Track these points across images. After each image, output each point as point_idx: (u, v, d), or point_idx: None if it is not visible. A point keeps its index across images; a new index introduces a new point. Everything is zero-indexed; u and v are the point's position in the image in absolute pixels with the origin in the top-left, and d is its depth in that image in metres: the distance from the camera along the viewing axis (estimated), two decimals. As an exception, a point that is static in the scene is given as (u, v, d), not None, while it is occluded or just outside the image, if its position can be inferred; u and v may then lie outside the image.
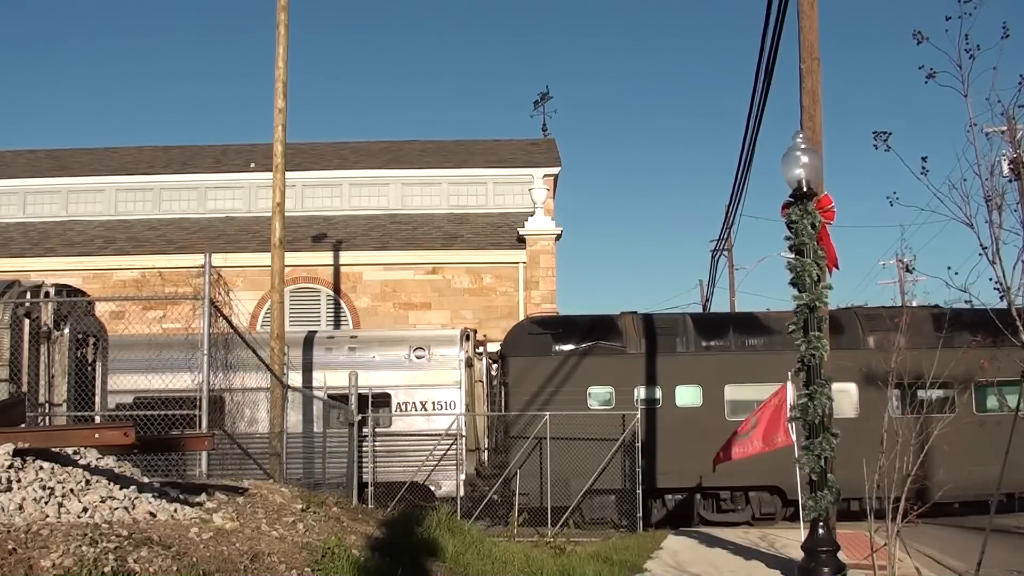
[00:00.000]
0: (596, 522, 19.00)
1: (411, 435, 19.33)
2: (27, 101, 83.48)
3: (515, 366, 19.81)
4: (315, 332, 20.79)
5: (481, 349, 20.84)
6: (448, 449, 19.07)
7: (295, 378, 18.40)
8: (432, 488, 19.06)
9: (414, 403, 19.46)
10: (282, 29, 16.10)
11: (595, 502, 19.18)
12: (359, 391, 17.46)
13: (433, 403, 19.51)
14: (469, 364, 19.87)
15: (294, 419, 18.39)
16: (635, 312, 21.23)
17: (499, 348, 21.00)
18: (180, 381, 12.21)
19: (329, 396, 18.45)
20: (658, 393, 19.50)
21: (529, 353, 19.88)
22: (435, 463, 19.12)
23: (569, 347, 19.92)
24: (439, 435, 19.09)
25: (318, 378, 19.01)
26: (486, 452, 20.21)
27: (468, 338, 20.16)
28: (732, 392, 19.30)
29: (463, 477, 18.99)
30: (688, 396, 19.48)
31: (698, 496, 19.38)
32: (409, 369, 19.58)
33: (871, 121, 71.43)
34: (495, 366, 20.98)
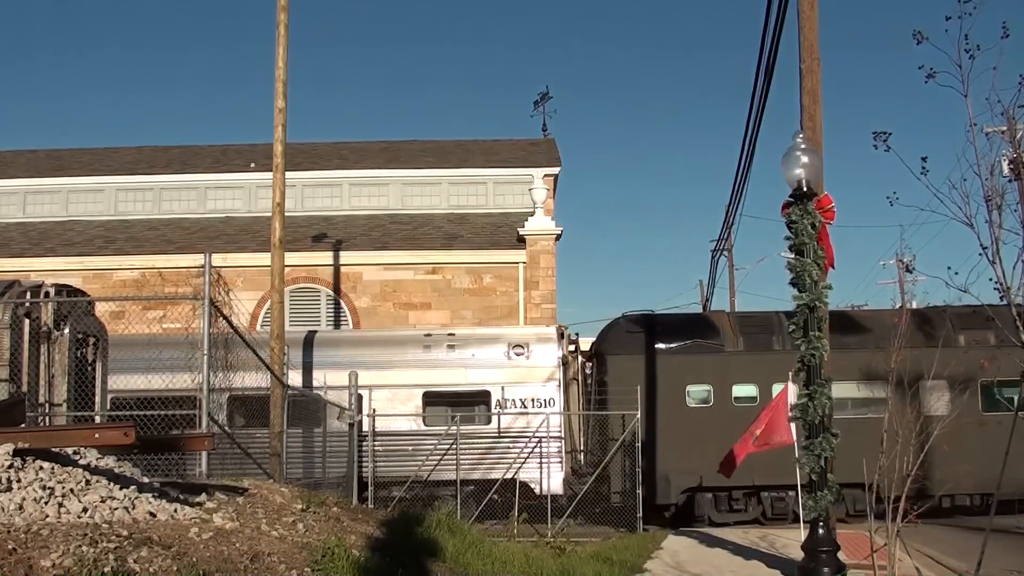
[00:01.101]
0: (698, 520, 19.15)
1: (490, 433, 19.46)
2: (27, 101, 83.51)
3: (613, 364, 19.85)
4: (411, 330, 20.92)
5: (573, 347, 20.87)
6: (548, 447, 19.21)
7: (391, 376, 19.16)
8: (532, 486, 19.17)
9: (513, 401, 19.60)
10: (282, 29, 16.10)
11: (699, 498, 19.30)
12: (469, 388, 18.27)
13: (532, 401, 19.65)
14: (564, 362, 19.99)
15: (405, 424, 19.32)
16: (730, 311, 21.34)
17: (592, 346, 21.01)
18: (180, 381, 12.22)
19: (431, 394, 19.28)
20: (754, 391, 19.60)
21: (627, 351, 19.92)
22: (523, 459, 19.29)
23: (666, 345, 19.97)
24: (526, 433, 19.40)
25: (418, 377, 19.41)
26: (583, 451, 20.29)
27: (563, 336, 20.30)
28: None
29: (562, 475, 19.07)
30: (754, 392, 19.52)
31: (791, 493, 19.61)
32: (508, 367, 19.74)
33: (871, 121, 71.43)
34: (588, 364, 20.93)
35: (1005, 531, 14.06)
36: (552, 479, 19.10)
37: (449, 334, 20.82)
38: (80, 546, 5.80)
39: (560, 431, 19.41)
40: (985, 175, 9.66)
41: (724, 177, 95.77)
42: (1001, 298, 10.03)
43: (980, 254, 9.80)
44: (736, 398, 19.51)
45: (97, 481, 7.24)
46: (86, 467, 7.61)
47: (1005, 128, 10.97)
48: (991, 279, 9.90)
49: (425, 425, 19.57)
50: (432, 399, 19.76)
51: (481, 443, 19.27)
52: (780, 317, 20.71)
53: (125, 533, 6.26)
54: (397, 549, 8.43)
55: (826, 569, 10.52)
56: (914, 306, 20.14)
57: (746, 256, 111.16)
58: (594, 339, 21.75)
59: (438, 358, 19.85)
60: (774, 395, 19.32)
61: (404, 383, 19.54)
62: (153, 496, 7.53)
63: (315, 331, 21.68)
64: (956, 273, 10.14)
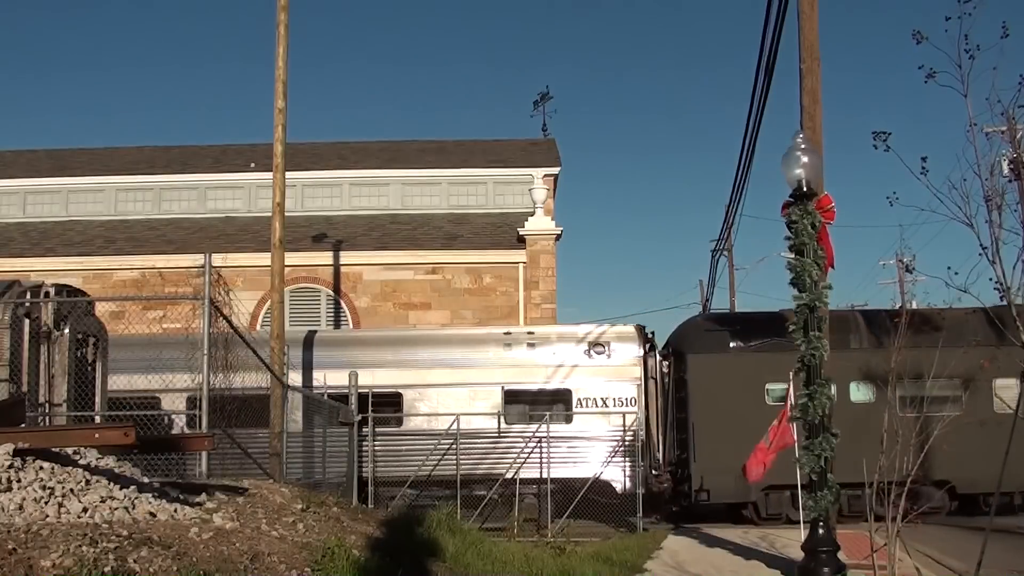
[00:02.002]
0: (773, 518, 19.24)
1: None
2: (27, 101, 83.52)
3: (693, 363, 19.86)
4: (491, 328, 21.02)
5: (649, 346, 20.93)
6: (628, 445, 19.30)
7: (471, 375, 19.40)
8: (615, 485, 19.25)
9: (594, 399, 19.69)
10: (282, 29, 16.09)
11: (772, 498, 19.35)
12: (549, 386, 18.52)
13: (613, 399, 19.69)
14: (643, 361, 20.07)
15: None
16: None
17: (668, 345, 21.08)
18: (180, 381, 12.23)
19: (510, 392, 19.43)
20: (832, 389, 19.69)
21: (707, 350, 19.95)
22: (607, 459, 19.40)
23: (744, 344, 19.99)
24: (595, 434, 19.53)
25: (498, 375, 19.54)
26: (661, 450, 20.35)
27: (642, 335, 20.43)
28: (903, 388, 19.47)
29: (641, 474, 19.16)
30: (861, 392, 19.43)
31: (867, 490, 19.62)
32: (588, 365, 19.79)
33: (871, 121, 71.41)
34: (664, 363, 20.95)
35: (1005, 531, 14.05)
36: (632, 478, 19.19)
37: (528, 332, 20.88)
38: (80, 546, 5.80)
39: (640, 429, 19.53)
40: (985, 175, 9.67)
41: (724, 177, 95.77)
42: (1001, 298, 10.04)
43: (980, 254, 9.81)
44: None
45: (97, 481, 7.24)
46: (86, 467, 7.61)
47: (1005, 128, 10.98)
48: (991, 279, 9.92)
49: (505, 424, 19.65)
50: (512, 397, 19.84)
51: (562, 442, 19.38)
52: (856, 316, 20.73)
53: (125, 533, 6.26)
54: (397, 549, 8.44)
55: (826, 569, 10.52)
56: (914, 305, 20.16)
57: (746, 256, 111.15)
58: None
59: (518, 357, 19.94)
60: (851, 394, 19.49)
61: (484, 381, 19.65)
62: (153, 496, 7.53)
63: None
64: (956, 273, 10.15)
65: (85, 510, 6.74)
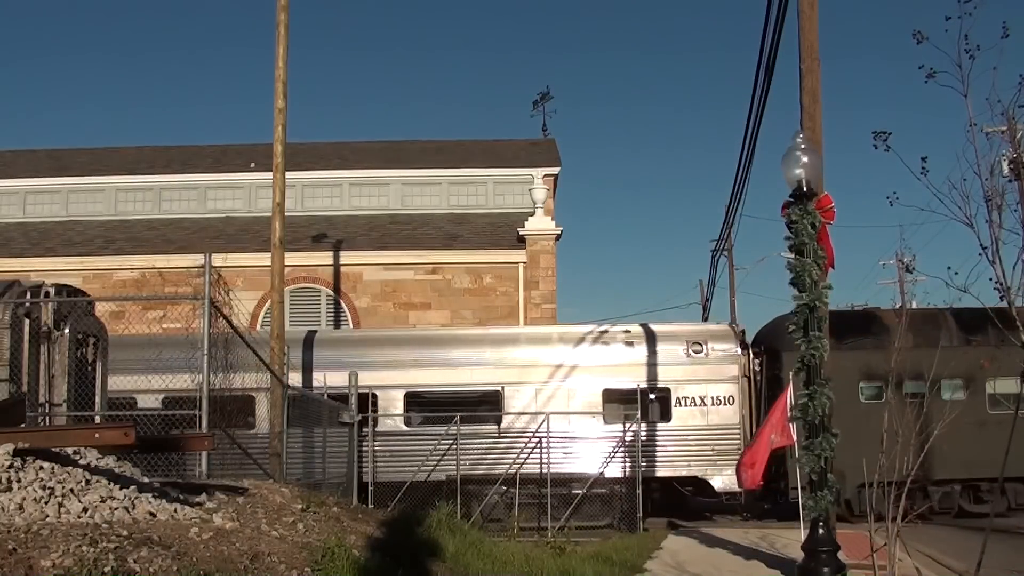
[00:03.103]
0: (864, 514, 19.35)
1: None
2: (27, 101, 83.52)
3: (789, 361, 19.84)
4: (588, 327, 21.15)
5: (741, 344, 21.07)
6: (726, 444, 19.40)
7: (567, 374, 19.59)
8: (715, 484, 19.35)
9: (692, 398, 19.79)
10: (282, 29, 16.09)
11: (864, 495, 19.43)
12: (649, 385, 18.77)
13: (711, 398, 19.79)
14: (740, 359, 20.22)
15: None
16: (899, 307, 21.42)
17: (759, 343, 21.10)
18: (180, 381, 12.23)
19: (611, 391, 19.60)
20: (923, 387, 19.72)
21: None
22: (710, 457, 19.59)
23: (839, 341, 20.07)
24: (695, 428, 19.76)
25: (594, 374, 19.66)
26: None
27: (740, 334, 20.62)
28: (993, 386, 19.45)
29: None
30: (952, 390, 19.45)
31: (958, 487, 19.60)
32: (687, 364, 19.91)
33: (871, 121, 71.38)
34: (756, 361, 20.98)
35: (1005, 531, 14.06)
36: (723, 478, 19.28)
37: (625, 331, 20.93)
38: (80, 546, 5.80)
39: (739, 428, 19.58)
40: (985, 175, 9.64)
41: (724, 177, 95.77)
42: (1001, 298, 10.04)
43: (980, 254, 9.79)
44: (907, 393, 19.69)
45: (97, 481, 7.24)
46: (86, 467, 7.61)
47: (1005, 128, 10.97)
48: (991, 279, 9.90)
49: (604, 423, 19.72)
50: (611, 396, 19.95)
51: (660, 440, 19.44)
52: (946, 315, 20.69)
53: (125, 533, 6.26)
54: (397, 549, 8.44)
55: (826, 569, 10.52)
56: (914, 305, 20.22)
57: (746, 256, 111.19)
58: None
59: (619, 355, 20.00)
60: (943, 392, 19.55)
61: (584, 380, 19.75)
62: (153, 496, 7.53)
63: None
64: (956, 273, 10.14)
65: (85, 510, 6.74)
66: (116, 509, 6.91)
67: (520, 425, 19.55)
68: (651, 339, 20.33)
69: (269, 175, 16.65)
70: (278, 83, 15.99)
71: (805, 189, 11.05)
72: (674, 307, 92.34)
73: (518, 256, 25.81)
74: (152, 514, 7.05)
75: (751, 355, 20.61)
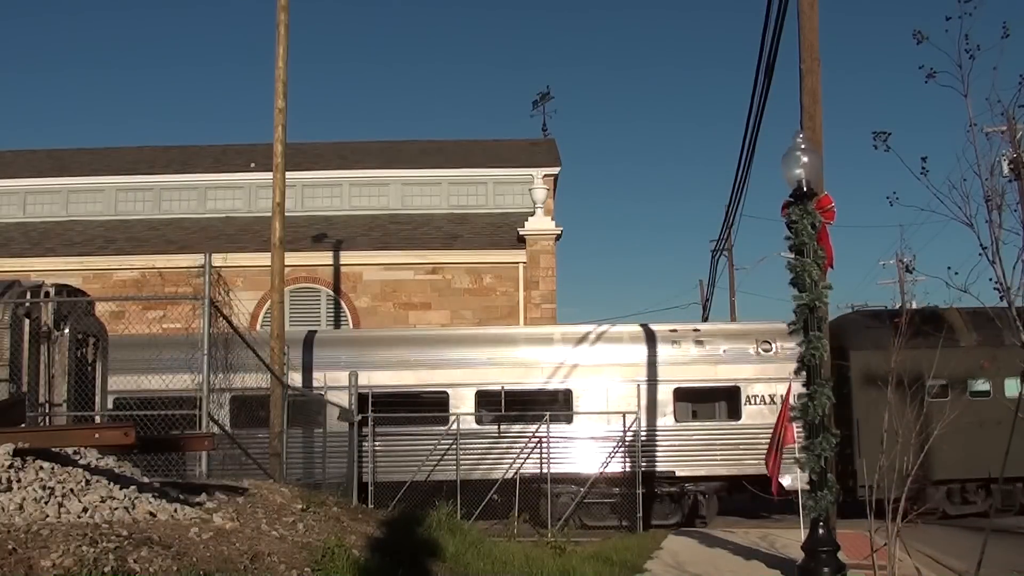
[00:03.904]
0: (930, 512, 19.42)
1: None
2: (27, 101, 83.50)
3: (856, 360, 19.88)
4: (658, 325, 21.19)
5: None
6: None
7: (641, 372, 19.65)
8: (784, 482, 19.39)
9: (762, 396, 19.82)
10: (282, 29, 16.09)
11: (931, 491, 19.44)
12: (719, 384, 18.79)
13: (780, 396, 19.86)
14: None
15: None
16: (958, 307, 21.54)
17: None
18: (180, 381, 12.22)
19: (682, 389, 19.70)
20: (988, 385, 19.70)
21: (868, 347, 19.96)
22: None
23: (904, 340, 20.12)
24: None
25: (665, 373, 19.79)
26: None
27: None
28: None
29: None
30: (1016, 387, 19.58)
31: (1019, 484, 19.82)
32: (756, 363, 19.94)
33: (871, 121, 71.46)
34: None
35: (1005, 531, 14.06)
36: (799, 474, 19.38)
37: (694, 330, 21.04)
38: (80, 546, 5.80)
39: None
40: (985, 175, 9.64)
41: (724, 177, 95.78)
42: (1001, 298, 10.04)
43: (980, 254, 9.80)
44: (971, 392, 19.72)
45: (97, 481, 7.24)
46: (86, 467, 7.61)
47: (1005, 128, 10.96)
48: (991, 279, 9.91)
49: (675, 421, 19.79)
50: (682, 395, 20.02)
51: (731, 438, 19.56)
52: (1008, 313, 20.77)
53: (125, 533, 6.26)
54: (397, 549, 8.44)
55: (826, 569, 10.52)
56: (914, 305, 20.26)
57: (746, 256, 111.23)
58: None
59: (688, 354, 20.08)
60: (1006, 390, 19.55)
61: (654, 379, 19.85)
62: (153, 496, 7.53)
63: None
64: (956, 273, 10.15)
65: (85, 510, 6.74)
66: (116, 509, 6.91)
67: (593, 424, 19.68)
68: (721, 338, 20.37)
69: (269, 175, 16.65)
70: (278, 83, 15.99)
71: (805, 189, 11.05)
72: (674, 307, 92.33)
73: (518, 256, 25.80)
74: (152, 514, 7.05)
75: None
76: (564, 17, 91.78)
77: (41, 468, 7.00)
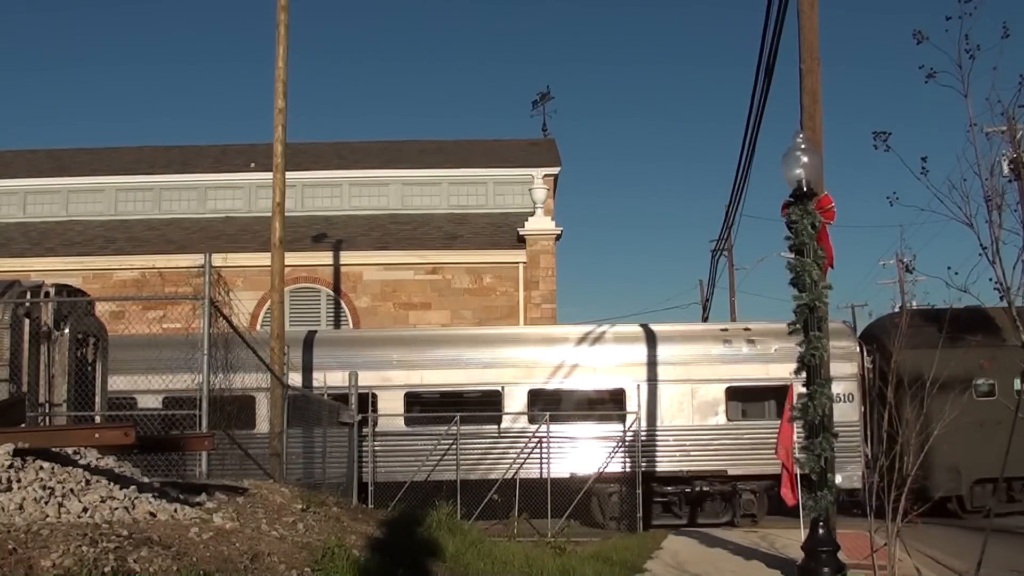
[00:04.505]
0: (976, 510, 19.48)
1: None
2: (27, 101, 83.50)
3: (904, 359, 19.89)
4: (708, 325, 21.17)
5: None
6: (846, 440, 19.51)
7: (694, 371, 19.77)
8: (836, 480, 19.44)
9: None
10: (282, 29, 16.08)
11: (976, 491, 19.61)
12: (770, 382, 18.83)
13: (834, 395, 19.95)
14: (857, 357, 20.26)
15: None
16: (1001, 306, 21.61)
17: (871, 340, 21.04)
18: (180, 381, 12.22)
19: (733, 389, 19.75)
20: None
21: (916, 346, 19.98)
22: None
23: (951, 339, 20.15)
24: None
25: (720, 371, 19.90)
26: (870, 445, 20.58)
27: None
28: None
29: (860, 468, 19.37)
30: None
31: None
32: None
33: (871, 121, 71.46)
34: (868, 359, 20.94)
35: (1005, 531, 14.06)
36: (851, 473, 19.41)
37: (745, 329, 21.08)
38: (80, 546, 5.80)
39: (858, 425, 19.68)
40: (985, 175, 9.66)
41: (724, 177, 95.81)
42: (1001, 298, 10.05)
43: (980, 254, 9.81)
44: (1018, 391, 19.78)
45: (97, 481, 7.24)
46: (86, 467, 7.61)
47: (1005, 128, 10.97)
48: (991, 279, 9.92)
49: (727, 419, 19.88)
50: (733, 394, 20.11)
51: (772, 435, 19.79)
52: None
53: (125, 533, 6.26)
54: (397, 549, 8.44)
55: (826, 569, 10.52)
56: (914, 305, 20.24)
57: (746, 256, 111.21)
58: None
59: (740, 353, 20.16)
60: None
61: (707, 378, 19.92)
62: (153, 496, 7.53)
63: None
64: (956, 273, 10.17)
65: (85, 510, 6.73)
66: (116, 509, 6.90)
67: (645, 425, 19.79)
68: (772, 337, 20.39)
69: (269, 175, 16.64)
70: (278, 83, 15.98)
71: (805, 189, 11.05)
72: (674, 307, 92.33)
73: (518, 256, 25.80)
74: (152, 514, 7.05)
75: (864, 353, 20.65)
76: (564, 17, 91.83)
77: (41, 468, 7.00)
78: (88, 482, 7.17)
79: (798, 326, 11.30)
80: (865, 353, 20.50)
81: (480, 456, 19.36)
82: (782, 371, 19.87)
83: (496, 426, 19.50)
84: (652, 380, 19.84)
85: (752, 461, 19.49)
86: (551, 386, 19.81)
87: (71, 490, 6.91)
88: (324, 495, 10.84)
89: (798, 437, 12.27)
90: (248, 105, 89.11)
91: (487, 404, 19.73)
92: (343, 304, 25.79)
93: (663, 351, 20.17)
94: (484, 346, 20.54)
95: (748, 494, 19.63)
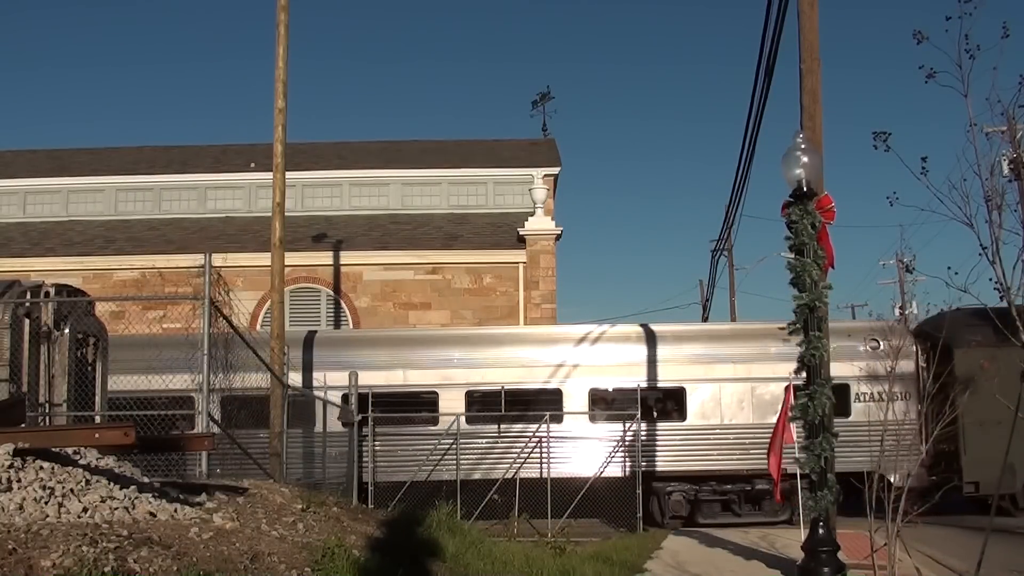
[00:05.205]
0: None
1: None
2: (27, 101, 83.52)
3: (961, 357, 19.83)
4: (766, 323, 21.25)
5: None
6: (904, 439, 19.50)
7: (754, 369, 19.83)
8: (891, 478, 19.47)
9: (870, 393, 19.88)
10: (282, 29, 16.08)
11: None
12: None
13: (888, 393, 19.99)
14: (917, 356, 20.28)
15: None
16: None
17: (926, 338, 20.97)
18: (180, 381, 12.22)
19: (798, 387, 19.47)
20: None
21: (974, 345, 19.96)
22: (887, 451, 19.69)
23: (1004, 339, 20.13)
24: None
25: (779, 370, 19.63)
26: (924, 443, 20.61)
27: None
28: None
29: (918, 467, 19.37)
30: None
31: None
32: (864, 360, 19.79)
33: (871, 121, 71.47)
34: (923, 356, 20.93)
35: (1005, 531, 14.06)
36: (907, 471, 19.47)
37: None
38: (80, 546, 5.80)
39: (917, 423, 19.72)
40: (985, 175, 9.65)
41: (724, 177, 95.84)
42: (1001, 298, 10.05)
43: (980, 254, 9.81)
44: None
45: (97, 481, 7.24)
46: (86, 467, 7.61)
47: (1005, 128, 10.96)
48: (991, 279, 9.92)
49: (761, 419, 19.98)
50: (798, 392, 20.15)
51: (841, 435, 19.85)
52: None
53: (125, 533, 6.26)
54: (397, 549, 8.43)
55: (826, 569, 10.52)
56: (915, 305, 20.28)
57: (746, 256, 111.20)
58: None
59: (797, 352, 20.26)
60: None
61: (766, 376, 19.92)
62: (153, 496, 7.53)
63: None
64: (956, 273, 10.16)
65: (85, 510, 6.73)
66: (116, 509, 6.90)
67: (704, 422, 19.92)
68: (833, 336, 20.53)
69: (269, 175, 16.64)
70: (278, 83, 15.98)
71: (805, 189, 11.05)
72: (674, 307, 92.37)
73: (518, 256, 25.80)
74: (152, 514, 7.05)
75: (919, 350, 20.67)
76: (564, 17, 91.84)
77: (41, 468, 7.00)
78: (88, 482, 7.16)
79: (798, 326, 11.29)
80: (920, 351, 20.53)
81: (566, 455, 19.61)
82: (840, 370, 19.80)
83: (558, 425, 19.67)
84: (711, 379, 19.96)
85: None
86: (609, 386, 20.09)
87: (71, 490, 6.91)
88: (324, 495, 10.84)
89: (798, 437, 12.27)
90: (248, 105, 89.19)
91: (546, 403, 19.95)
92: (343, 304, 25.79)
93: (721, 350, 20.33)
94: (535, 344, 20.75)
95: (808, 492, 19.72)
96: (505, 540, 12.65)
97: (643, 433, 19.43)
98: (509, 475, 19.05)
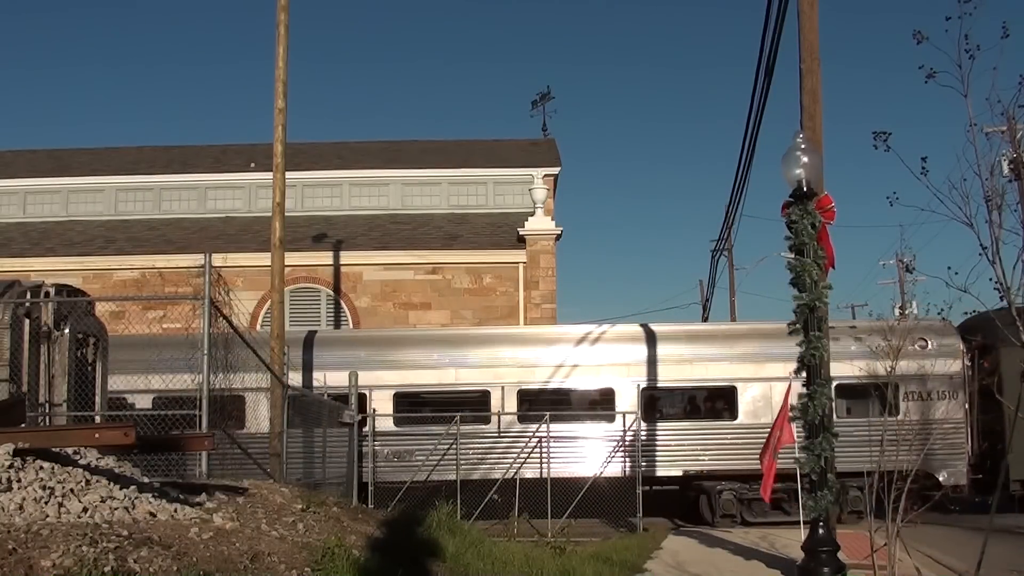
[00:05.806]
0: None
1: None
2: (27, 101, 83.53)
3: (1006, 356, 19.85)
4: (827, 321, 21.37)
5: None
6: (952, 438, 19.63)
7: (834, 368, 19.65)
8: (939, 476, 19.49)
9: (918, 392, 19.95)
10: (282, 29, 16.08)
11: None
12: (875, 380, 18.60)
13: (936, 392, 19.99)
14: (963, 355, 20.32)
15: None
16: None
17: (970, 338, 20.90)
18: (180, 381, 12.21)
19: (841, 386, 19.16)
20: None
21: (1019, 343, 19.97)
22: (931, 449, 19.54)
23: None
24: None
25: (834, 369, 19.82)
26: (970, 442, 20.59)
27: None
28: None
29: (966, 465, 19.38)
30: None
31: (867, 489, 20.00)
32: (912, 359, 19.66)
33: (871, 121, 71.44)
34: (967, 356, 20.95)
35: (1005, 531, 14.06)
36: (956, 469, 19.40)
37: (851, 326, 20.99)
38: (80, 546, 5.80)
39: (963, 422, 19.70)
40: (985, 175, 9.64)
41: (724, 177, 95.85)
42: (1001, 298, 10.05)
43: (980, 254, 9.80)
44: None
45: (97, 481, 7.24)
46: (86, 467, 7.61)
47: (1005, 128, 10.96)
48: (991, 279, 9.91)
49: (837, 416, 19.97)
50: (842, 392, 19.96)
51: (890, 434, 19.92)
52: None
53: (125, 533, 6.26)
54: (397, 549, 8.44)
55: (826, 569, 10.53)
56: (915, 305, 20.28)
57: (746, 256, 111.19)
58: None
59: (847, 350, 19.98)
60: None
61: None
62: (153, 496, 7.53)
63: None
64: (956, 273, 10.15)
65: (85, 510, 6.73)
66: (116, 509, 6.90)
67: (753, 421, 19.91)
68: (877, 335, 20.51)
69: (269, 175, 16.64)
70: (278, 83, 15.98)
71: (805, 189, 11.06)
72: (674, 307, 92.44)
73: (518, 256, 25.80)
74: (152, 514, 7.05)
75: (964, 350, 20.64)
76: (564, 17, 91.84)
77: (41, 468, 7.00)
78: (88, 482, 7.16)
79: (798, 326, 11.29)
80: (966, 351, 20.52)
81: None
82: (886, 368, 19.92)
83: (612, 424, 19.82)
84: (762, 378, 19.98)
85: (859, 458, 19.59)
86: (665, 385, 20.23)
87: (71, 490, 6.91)
88: (324, 495, 10.85)
89: (798, 436, 12.27)
90: (248, 105, 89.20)
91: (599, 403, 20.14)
92: (343, 304, 25.79)
93: (773, 348, 20.20)
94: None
95: (855, 491, 19.60)
96: (505, 540, 12.65)
97: (693, 432, 19.60)
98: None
